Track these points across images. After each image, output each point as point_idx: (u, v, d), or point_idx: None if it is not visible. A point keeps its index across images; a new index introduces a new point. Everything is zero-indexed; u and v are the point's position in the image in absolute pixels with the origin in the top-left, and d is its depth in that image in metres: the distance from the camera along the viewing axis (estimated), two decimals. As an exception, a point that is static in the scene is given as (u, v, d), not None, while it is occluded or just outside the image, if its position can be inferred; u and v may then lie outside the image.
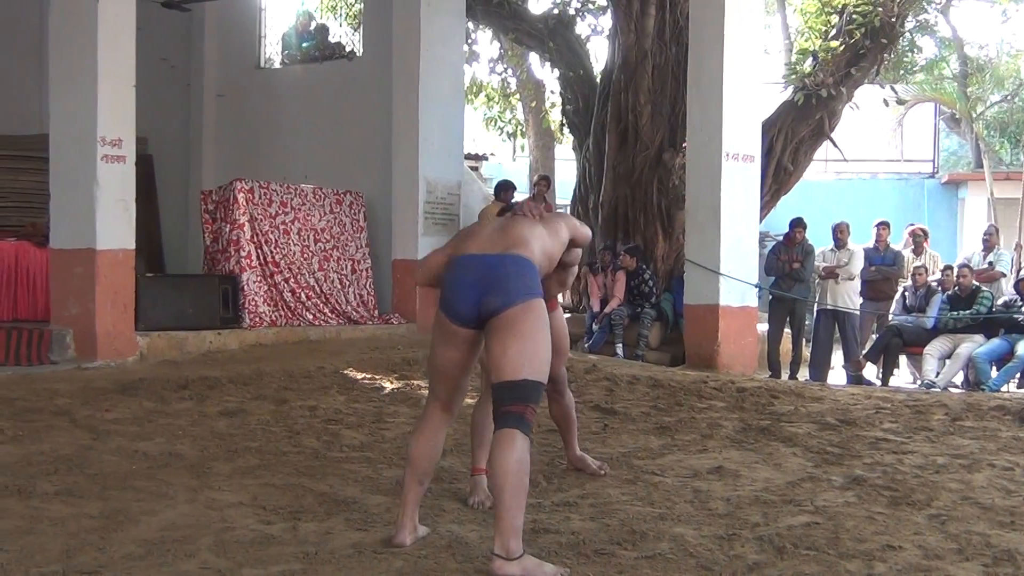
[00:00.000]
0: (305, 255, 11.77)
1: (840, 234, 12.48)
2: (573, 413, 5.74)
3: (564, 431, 5.71)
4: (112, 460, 5.70)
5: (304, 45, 14.25)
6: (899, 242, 14.06)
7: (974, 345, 11.12)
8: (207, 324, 10.50)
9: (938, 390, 10.17)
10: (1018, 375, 10.96)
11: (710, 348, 10.67)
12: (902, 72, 20.86)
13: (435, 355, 4.32)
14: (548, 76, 19.50)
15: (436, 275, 4.45)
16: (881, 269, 12.65)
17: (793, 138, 13.81)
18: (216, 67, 14.77)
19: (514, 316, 4.01)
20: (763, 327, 12.34)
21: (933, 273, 12.77)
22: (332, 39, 14.41)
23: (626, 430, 6.90)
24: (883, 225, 13.06)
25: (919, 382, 11.42)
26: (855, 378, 11.77)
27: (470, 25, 16.70)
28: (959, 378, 11.33)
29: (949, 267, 12.56)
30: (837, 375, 12.37)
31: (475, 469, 5.06)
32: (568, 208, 15.77)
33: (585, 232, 4.74)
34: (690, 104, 11.26)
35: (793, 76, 14.14)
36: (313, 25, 14.51)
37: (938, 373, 11.21)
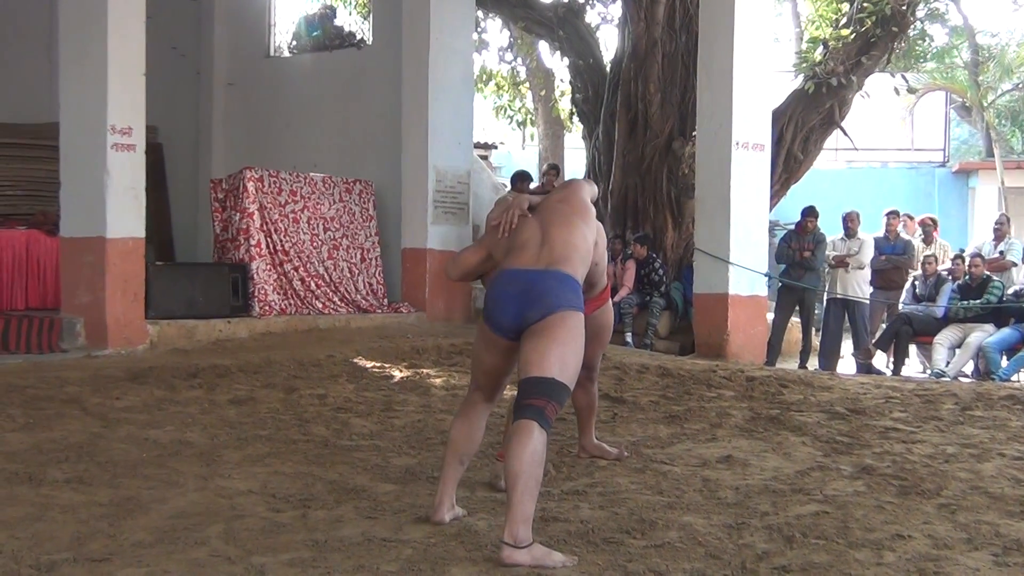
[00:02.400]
0: (315, 244, 11.78)
1: (850, 223, 12.46)
2: (596, 403, 5.80)
3: (584, 418, 5.74)
4: (122, 448, 5.72)
5: (313, 34, 14.24)
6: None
7: (984, 335, 11.09)
8: (217, 312, 10.52)
9: (948, 380, 10.16)
10: (1029, 365, 10.94)
11: (719, 337, 10.66)
12: (913, 60, 20.79)
13: (478, 357, 4.45)
14: (558, 65, 19.45)
15: (467, 271, 4.79)
16: (891, 258, 12.62)
17: (803, 127, 13.77)
18: (226, 56, 14.78)
19: (551, 322, 4.08)
20: (772, 316, 12.32)
21: (943, 262, 12.74)
22: (340, 25, 14.38)
23: (635, 419, 6.91)
24: (893, 214, 13.03)
25: (929, 371, 11.40)
26: (865, 367, 11.76)
27: (480, 13, 16.65)
28: (969, 368, 11.31)
29: (959, 256, 12.52)
30: (847, 364, 12.36)
31: (501, 455, 5.01)
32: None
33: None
34: (700, 93, 11.24)
35: (803, 64, 14.09)
36: (319, 11, 14.47)
37: (948, 362, 11.19)
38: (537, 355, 4.04)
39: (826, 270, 12.86)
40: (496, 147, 23.35)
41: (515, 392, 4.65)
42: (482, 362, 4.40)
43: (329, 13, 14.40)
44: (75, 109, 9.61)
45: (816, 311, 12.99)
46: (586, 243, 4.43)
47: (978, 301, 11.35)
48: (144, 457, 5.54)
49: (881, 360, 12.14)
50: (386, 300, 12.34)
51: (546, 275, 4.20)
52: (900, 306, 12.28)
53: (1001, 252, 12.77)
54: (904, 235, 13.30)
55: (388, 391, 7.72)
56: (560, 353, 4.05)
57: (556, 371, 4.02)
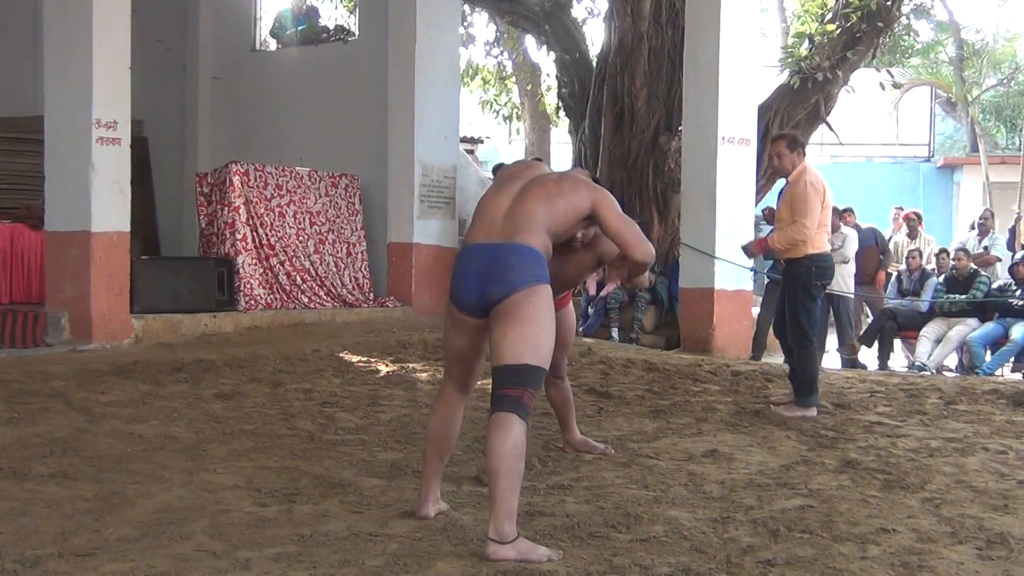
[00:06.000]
0: (300, 238, 11.76)
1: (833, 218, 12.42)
2: (571, 399, 5.80)
3: (563, 415, 5.74)
4: (107, 442, 5.71)
5: (299, 28, 14.21)
6: (887, 227, 14.05)
7: (967, 329, 11.13)
8: (202, 307, 10.49)
9: (929, 373, 10.19)
10: (1012, 359, 10.98)
11: (705, 332, 10.66)
12: (898, 56, 20.87)
13: (447, 340, 4.38)
14: (544, 59, 19.46)
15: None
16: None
17: (789, 121, 13.76)
18: (212, 49, 14.72)
19: (516, 302, 4.01)
20: (757, 311, 12.32)
21: (929, 262, 12.76)
22: (326, 22, 14.36)
23: (621, 413, 6.92)
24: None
25: (912, 364, 11.44)
26: (850, 362, 11.78)
27: (466, 8, 16.64)
28: (954, 362, 11.35)
29: (944, 251, 12.55)
30: (831, 359, 12.38)
31: None
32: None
33: (624, 234, 4.58)
34: (686, 87, 11.24)
35: (789, 59, 14.10)
36: (304, 7, 14.45)
37: (930, 355, 11.23)
38: (508, 341, 3.97)
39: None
40: (482, 141, 23.32)
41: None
42: (451, 344, 4.33)
43: (315, 11, 14.37)
44: (60, 103, 9.56)
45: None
46: (551, 210, 4.21)
47: (964, 296, 11.39)
48: (129, 452, 5.52)
49: (867, 354, 12.16)
50: (372, 294, 12.33)
51: (506, 249, 4.10)
52: (884, 301, 12.29)
53: (985, 247, 12.82)
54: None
55: (374, 385, 7.72)
56: (532, 334, 3.98)
57: (529, 355, 3.96)
